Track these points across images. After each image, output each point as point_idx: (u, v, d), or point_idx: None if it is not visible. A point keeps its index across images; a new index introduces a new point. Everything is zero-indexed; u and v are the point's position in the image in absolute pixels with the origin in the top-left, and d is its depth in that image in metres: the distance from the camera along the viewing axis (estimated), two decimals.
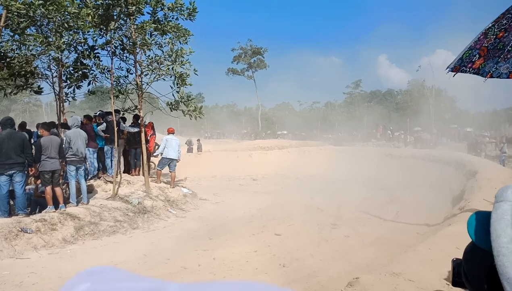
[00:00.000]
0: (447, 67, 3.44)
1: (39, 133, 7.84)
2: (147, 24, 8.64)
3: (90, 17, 7.66)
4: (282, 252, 5.79)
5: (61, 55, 8.65)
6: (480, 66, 3.08)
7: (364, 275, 3.77)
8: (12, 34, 7.76)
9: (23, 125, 10.59)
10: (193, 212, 9.06)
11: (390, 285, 3.51)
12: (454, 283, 1.02)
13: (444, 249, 4.44)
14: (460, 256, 1.03)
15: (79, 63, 9.12)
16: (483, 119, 48.62)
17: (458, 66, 3.24)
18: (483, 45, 3.06)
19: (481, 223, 0.54)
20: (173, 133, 10.56)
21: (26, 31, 7.62)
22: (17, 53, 7.71)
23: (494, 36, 3.02)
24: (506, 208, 0.47)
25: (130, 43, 8.84)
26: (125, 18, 8.64)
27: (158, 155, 10.55)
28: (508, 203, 0.48)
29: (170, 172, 10.35)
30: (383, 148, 21.83)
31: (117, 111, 9.69)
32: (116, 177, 8.84)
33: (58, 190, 7.26)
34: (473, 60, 3.13)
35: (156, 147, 11.39)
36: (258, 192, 11.93)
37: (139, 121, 9.65)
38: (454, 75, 3.37)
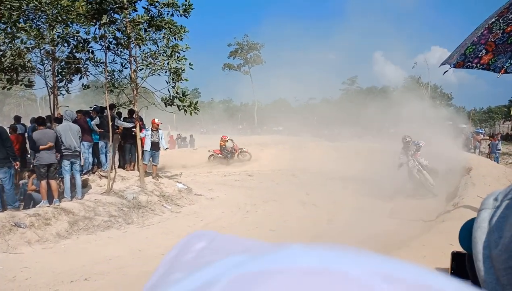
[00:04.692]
0: (446, 63, 3.31)
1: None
2: (140, 18, 8.55)
3: (81, 8, 7.56)
4: None
5: (54, 48, 8.55)
6: (490, 61, 2.98)
7: None
8: (4, 27, 7.65)
9: (18, 118, 10.52)
10: (188, 207, 9.05)
11: None
12: (452, 275, 1.03)
13: (438, 245, 4.48)
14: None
15: (72, 57, 9.03)
16: (478, 116, 49.01)
17: (462, 62, 3.13)
18: (489, 40, 2.95)
19: (467, 232, 0.56)
20: (156, 126, 10.63)
21: (17, 24, 7.50)
22: (9, 46, 7.61)
23: (502, 31, 2.91)
24: (484, 216, 0.50)
25: (124, 38, 8.76)
26: (118, 12, 8.54)
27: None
28: (488, 211, 0.50)
29: (152, 164, 10.45)
30: (379, 145, 21.88)
31: (113, 106, 9.63)
32: (111, 172, 8.80)
33: (53, 184, 7.21)
34: (479, 55, 3.03)
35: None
36: (253, 188, 11.93)
37: (134, 116, 9.59)
38: (446, 72, 3.30)
